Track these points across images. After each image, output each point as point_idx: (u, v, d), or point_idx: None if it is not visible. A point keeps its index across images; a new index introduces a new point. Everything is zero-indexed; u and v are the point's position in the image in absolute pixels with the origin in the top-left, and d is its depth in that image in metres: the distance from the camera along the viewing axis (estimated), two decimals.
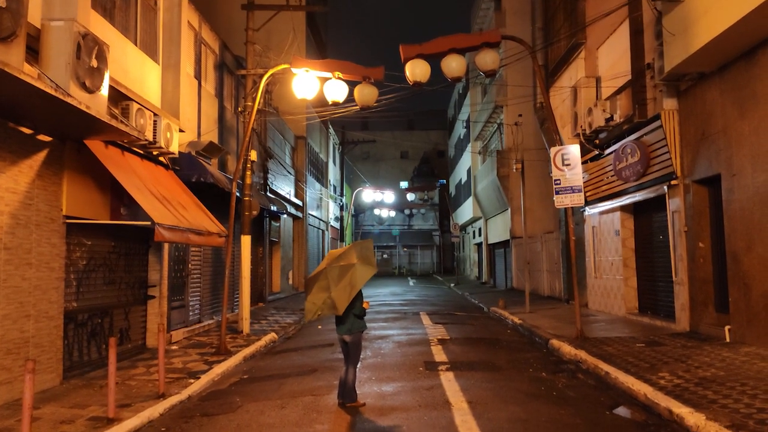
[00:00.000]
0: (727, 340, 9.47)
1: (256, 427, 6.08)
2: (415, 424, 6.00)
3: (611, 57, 13.56)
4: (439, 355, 10.02)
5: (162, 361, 7.35)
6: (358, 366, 7.11)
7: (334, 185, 39.56)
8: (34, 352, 7.41)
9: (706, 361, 8.07)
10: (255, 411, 6.72)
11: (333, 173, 39.04)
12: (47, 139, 7.77)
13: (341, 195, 41.80)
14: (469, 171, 37.09)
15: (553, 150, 11.41)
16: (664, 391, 6.57)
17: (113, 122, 7.57)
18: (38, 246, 7.58)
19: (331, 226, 37.86)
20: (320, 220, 32.96)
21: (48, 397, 7.17)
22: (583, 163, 12.07)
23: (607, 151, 13.61)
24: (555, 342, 10.51)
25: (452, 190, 48.79)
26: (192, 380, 8.12)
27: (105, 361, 9.04)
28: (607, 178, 13.82)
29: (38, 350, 7.50)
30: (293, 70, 11.91)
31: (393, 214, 55.73)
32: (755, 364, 7.71)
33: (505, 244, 28.46)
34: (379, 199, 49.60)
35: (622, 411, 6.42)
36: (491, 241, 32.10)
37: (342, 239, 41.68)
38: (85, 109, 6.77)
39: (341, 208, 41.77)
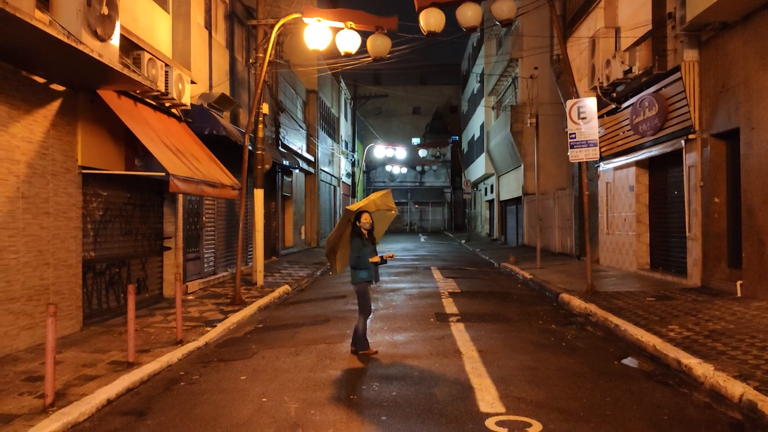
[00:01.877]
0: (739, 295, 9.49)
1: (271, 371, 6.25)
2: (426, 370, 6.14)
3: (632, 6, 13.15)
4: (449, 307, 10.15)
5: (179, 309, 7.52)
6: (369, 317, 7.22)
7: (345, 141, 39.35)
8: (54, 299, 7.59)
9: (716, 315, 8.11)
10: (270, 357, 6.89)
11: (345, 129, 38.78)
12: (60, 88, 7.76)
13: (353, 151, 41.61)
14: (482, 127, 36.67)
15: (569, 103, 11.22)
16: (673, 343, 6.64)
17: (125, 71, 7.53)
18: (55, 196, 7.67)
19: (343, 182, 37.85)
20: (332, 176, 32.95)
21: (69, 343, 7.39)
22: (599, 117, 11.85)
23: (624, 105, 13.37)
24: (565, 296, 10.59)
25: (465, 146, 48.36)
26: (208, 328, 8.32)
27: (123, 309, 9.26)
28: (623, 132, 13.61)
29: (58, 297, 7.69)
30: (305, 19, 11.69)
31: (404, 170, 55.49)
32: (765, 317, 7.73)
33: (517, 200, 28.36)
34: (391, 155, 49.32)
35: (630, 361, 6.52)
36: (503, 198, 31.99)
37: (354, 195, 41.73)
38: (97, 58, 6.73)
39: (353, 164, 41.65)
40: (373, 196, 7.12)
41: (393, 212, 7.39)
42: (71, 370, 6.12)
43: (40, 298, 7.32)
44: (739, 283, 9.55)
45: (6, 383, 5.64)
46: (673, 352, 6.25)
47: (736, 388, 5.00)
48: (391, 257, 7.11)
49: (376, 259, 6.92)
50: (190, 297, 11.36)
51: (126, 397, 5.48)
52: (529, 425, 4.51)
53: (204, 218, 13.19)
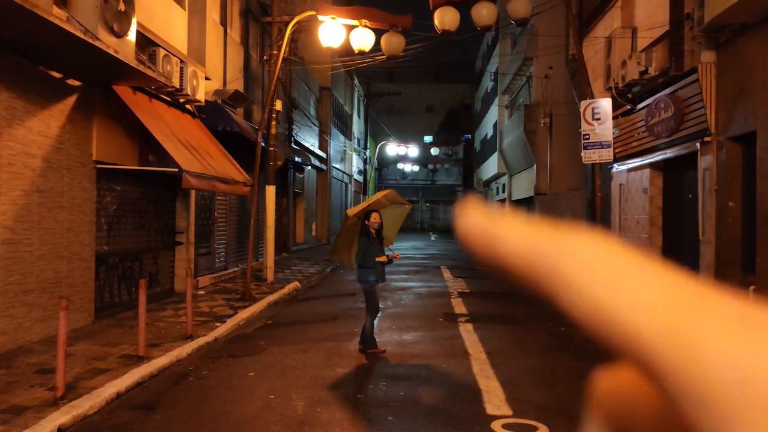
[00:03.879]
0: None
1: (280, 368, 6.28)
2: (434, 371, 6.14)
3: (649, 6, 13.02)
4: (458, 307, 10.13)
5: (190, 304, 7.58)
6: (377, 315, 7.24)
7: (358, 138, 39.37)
8: (67, 292, 7.68)
9: None
10: (279, 354, 6.93)
11: (357, 126, 38.80)
12: (76, 83, 7.84)
13: (365, 148, 41.62)
14: (495, 125, 36.52)
15: (583, 103, 11.15)
16: None
17: (141, 67, 7.59)
18: (70, 190, 7.75)
19: (355, 179, 37.89)
20: (344, 173, 32.99)
21: (81, 336, 7.48)
22: (613, 118, 11.76)
23: (640, 106, 13.24)
24: None
25: (477, 145, 48.19)
26: (218, 323, 8.38)
27: (135, 303, 9.33)
28: (638, 134, 13.49)
29: (71, 290, 7.78)
30: (319, 17, 11.70)
31: (416, 168, 55.42)
32: None
33: (528, 201, 28.23)
34: (403, 153, 49.27)
35: None
36: (515, 197, 31.86)
37: (365, 192, 41.75)
38: (113, 54, 6.79)
39: (365, 162, 41.67)
40: (377, 195, 7.13)
41: (407, 206, 7.42)
42: (82, 362, 6.20)
43: (53, 291, 7.41)
44: (752, 288, 9.44)
45: (18, 375, 5.72)
46: None
47: None
48: (396, 257, 7.15)
49: (382, 258, 6.92)
50: (201, 292, 11.44)
51: (136, 391, 5.53)
52: (536, 429, 4.50)
53: (216, 214, 13.27)
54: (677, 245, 12.92)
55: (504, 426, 4.56)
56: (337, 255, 7.60)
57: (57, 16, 6.14)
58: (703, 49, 10.66)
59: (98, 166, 8.39)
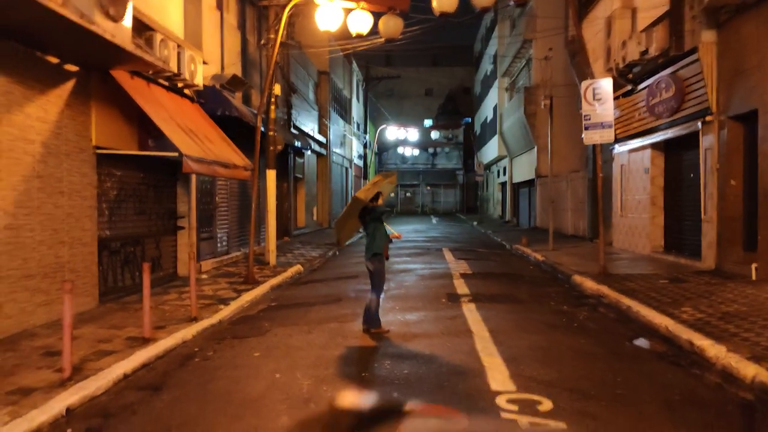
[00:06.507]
0: (753, 278, 9.41)
1: (284, 349, 6.32)
2: (437, 349, 6.18)
3: None
4: (461, 287, 10.17)
5: (193, 287, 7.60)
6: (381, 296, 7.27)
7: (357, 122, 39.22)
8: (70, 277, 7.70)
9: (729, 298, 8.06)
10: (283, 335, 6.97)
11: (356, 110, 38.64)
12: (74, 68, 7.79)
13: (365, 133, 41.46)
14: (495, 108, 36.37)
15: (584, 84, 11.09)
16: (686, 325, 6.62)
17: (138, 52, 7.55)
18: (69, 175, 7.74)
19: (355, 164, 37.81)
20: (344, 157, 32.91)
21: (85, 319, 7.51)
22: (614, 99, 11.70)
23: (640, 87, 13.19)
24: (577, 277, 10.57)
25: (477, 128, 48.03)
26: (222, 306, 8.42)
27: (138, 287, 9.36)
28: (639, 114, 13.45)
29: (74, 275, 7.80)
30: (316, 0, 11.59)
31: (416, 152, 55.29)
32: None
33: (529, 183, 28.20)
34: (403, 137, 49.11)
35: (642, 342, 6.51)
36: (515, 180, 31.82)
37: (365, 177, 41.67)
38: (110, 38, 6.75)
39: (365, 146, 41.54)
40: (375, 179, 7.22)
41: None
42: (88, 345, 6.23)
43: (55, 276, 7.43)
44: (753, 266, 9.47)
45: (24, 357, 5.76)
46: (685, 333, 6.24)
47: (749, 370, 4.98)
48: (398, 237, 7.38)
49: (397, 235, 7.23)
50: (204, 276, 11.48)
51: (142, 372, 5.57)
52: (540, 403, 4.54)
53: (217, 198, 13.27)
54: (679, 225, 12.94)
55: (508, 401, 4.60)
56: (344, 238, 7.75)
57: (53, 0, 6.09)
58: (703, 29, 10.59)
59: (98, 151, 8.37)
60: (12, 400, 4.60)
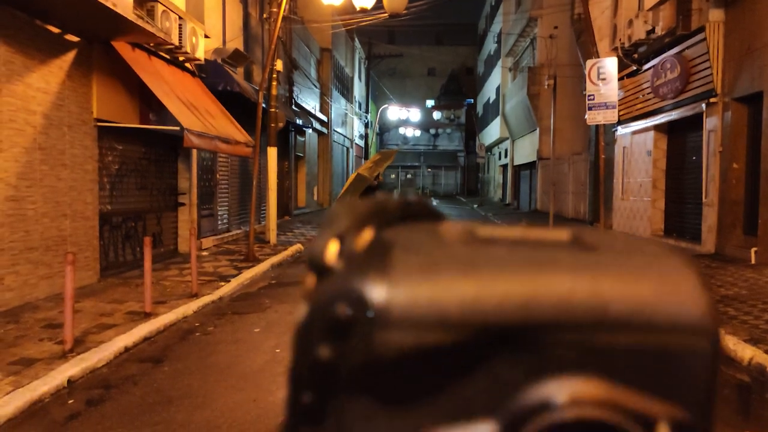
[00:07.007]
0: (753, 261, 9.42)
1: (284, 325, 6.35)
2: None
3: None
4: None
5: (194, 263, 7.62)
6: None
7: (359, 102, 38.98)
8: (72, 250, 7.67)
9: (729, 281, 8.08)
10: (283, 311, 7.00)
11: (358, 89, 38.37)
12: (75, 39, 7.71)
13: (366, 112, 41.23)
14: (498, 89, 36.12)
15: (588, 62, 10.99)
16: None
17: (140, 22, 7.46)
18: (71, 148, 7.71)
19: (356, 143, 37.66)
20: (345, 137, 32.77)
21: (87, 293, 7.54)
22: (618, 79, 11.60)
23: (645, 67, 13.07)
24: None
25: (479, 109, 47.75)
26: (223, 283, 8.44)
27: (139, 262, 9.37)
28: (643, 95, 13.35)
29: (76, 248, 7.80)
30: None
31: (418, 133, 54.98)
32: None
33: (531, 165, 28.12)
34: (405, 117, 48.84)
35: None
36: (517, 162, 31.72)
37: (366, 157, 41.54)
38: (111, 7, 6.66)
39: (366, 126, 41.33)
40: (376, 157, 7.23)
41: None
42: (89, 318, 6.26)
43: (58, 249, 7.44)
44: (753, 249, 9.47)
45: (26, 329, 5.79)
46: None
47: (746, 352, 5.01)
48: None
49: None
50: (205, 253, 11.49)
51: (143, 345, 5.61)
52: None
53: (218, 175, 13.23)
54: (680, 208, 12.92)
55: None
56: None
57: None
58: (711, 8, 10.45)
59: (99, 124, 8.32)
60: (14, 370, 4.63)
